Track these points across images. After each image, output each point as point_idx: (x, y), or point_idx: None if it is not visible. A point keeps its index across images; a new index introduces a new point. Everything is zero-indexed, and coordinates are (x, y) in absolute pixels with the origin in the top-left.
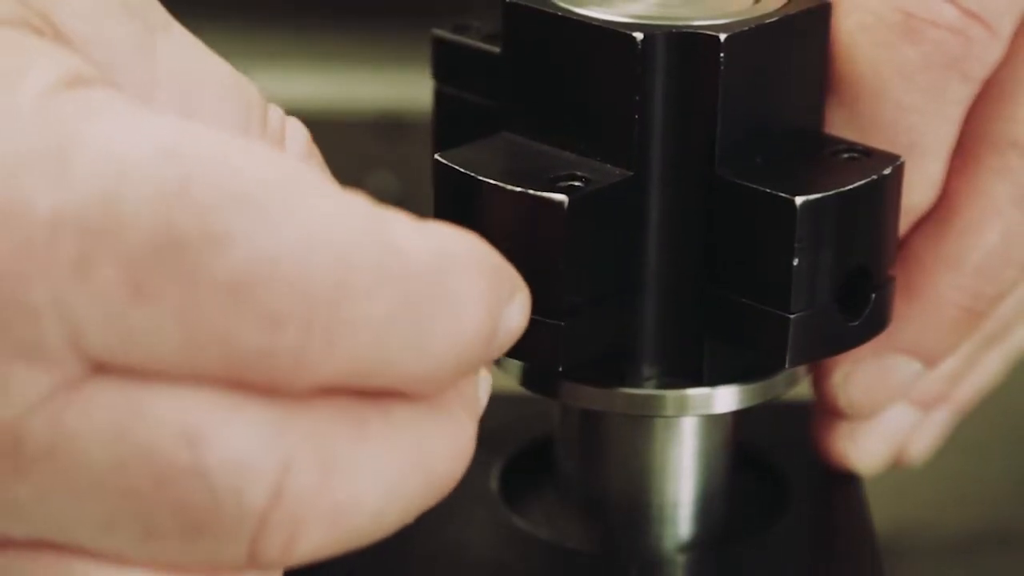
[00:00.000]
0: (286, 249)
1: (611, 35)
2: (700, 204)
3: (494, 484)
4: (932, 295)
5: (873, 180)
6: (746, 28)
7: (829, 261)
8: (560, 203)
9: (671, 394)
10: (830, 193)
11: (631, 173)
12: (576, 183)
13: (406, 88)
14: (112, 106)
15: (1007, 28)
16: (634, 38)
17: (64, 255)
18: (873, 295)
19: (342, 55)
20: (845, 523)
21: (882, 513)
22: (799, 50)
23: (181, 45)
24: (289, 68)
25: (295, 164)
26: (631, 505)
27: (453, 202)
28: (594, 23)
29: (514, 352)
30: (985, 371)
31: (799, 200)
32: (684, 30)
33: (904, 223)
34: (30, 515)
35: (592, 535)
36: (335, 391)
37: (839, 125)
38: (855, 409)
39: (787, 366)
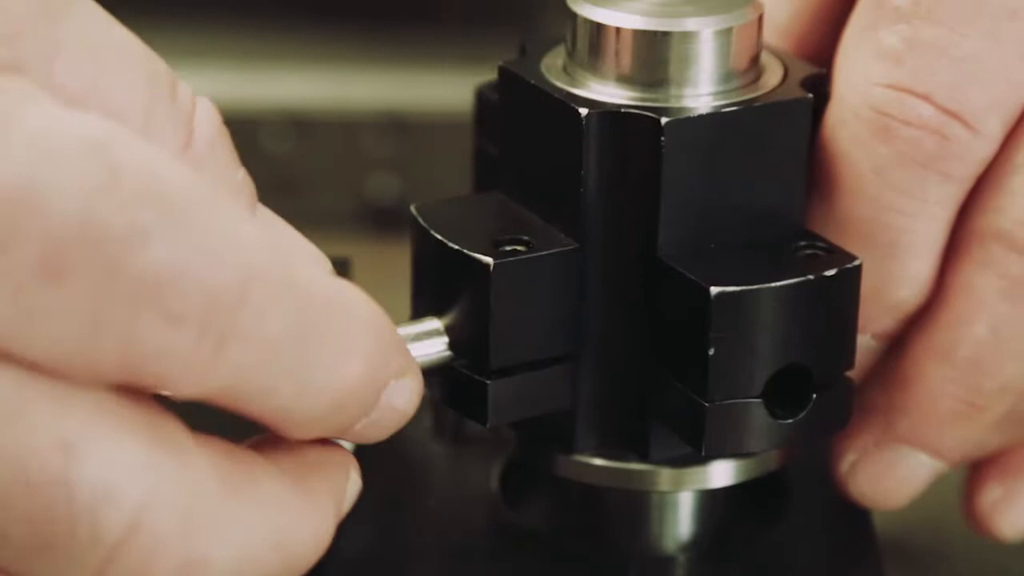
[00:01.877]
0: (198, 254)
1: (561, 108)
2: (641, 283)
3: (494, 484)
4: (925, 387)
5: (808, 280)
6: (690, 115)
7: (754, 355)
8: (486, 265)
9: (667, 471)
10: (751, 287)
11: (575, 245)
12: (519, 247)
13: (407, 88)
14: (38, 96)
15: (993, 126)
16: (579, 113)
17: None
18: (815, 395)
19: (342, 55)
20: (845, 523)
21: (882, 513)
22: (761, 141)
23: (87, 16)
24: (290, 68)
25: (212, 183)
26: (631, 505)
27: (417, 251)
28: (553, 94)
29: (449, 402)
30: None
31: (714, 291)
32: (630, 109)
33: (892, 319)
34: None
35: (591, 535)
36: (211, 442)
37: (819, 220)
38: (868, 500)
39: (703, 454)
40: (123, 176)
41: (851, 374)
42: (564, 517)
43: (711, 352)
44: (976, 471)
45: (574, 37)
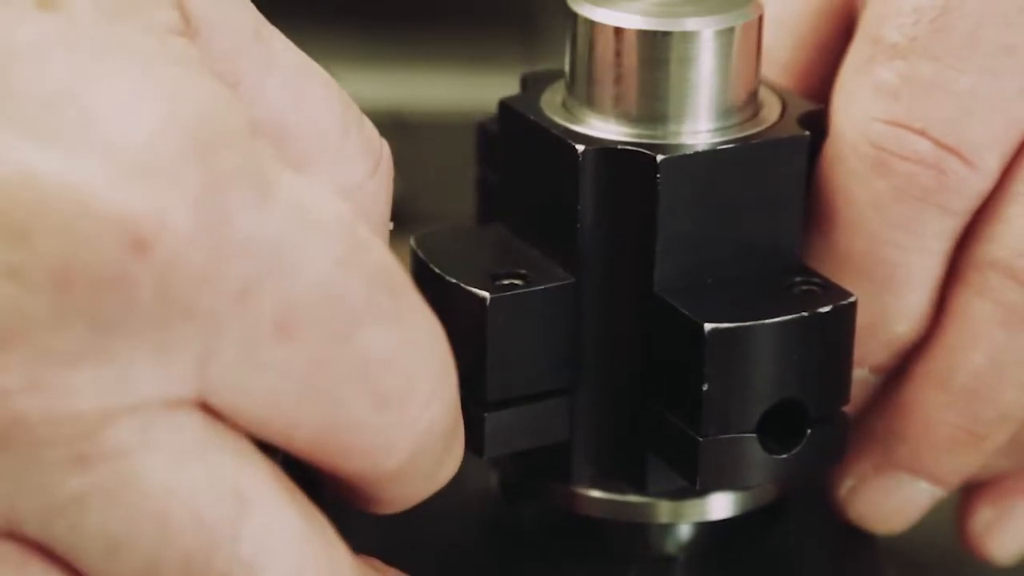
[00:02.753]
0: (415, 343)
1: (558, 144)
2: (637, 317)
3: (494, 484)
4: (922, 414)
5: (803, 316)
6: (686, 152)
7: (748, 391)
8: (483, 299)
9: (664, 503)
10: (746, 324)
11: (571, 279)
12: (516, 281)
13: (407, 88)
14: (279, 160)
15: (991, 161)
16: (576, 150)
17: (237, 274)
18: (809, 430)
19: (342, 55)
20: (845, 523)
21: None
22: (757, 178)
23: (286, 42)
24: None
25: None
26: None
27: (415, 283)
28: (551, 130)
29: None
30: None
31: (708, 327)
32: (627, 146)
33: (889, 353)
34: (52, 513)
35: (592, 535)
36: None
37: (816, 255)
38: (867, 524)
39: (697, 488)
40: (365, 250)
41: (849, 407)
42: (564, 517)
43: (705, 387)
44: (970, 492)
45: (573, 54)
